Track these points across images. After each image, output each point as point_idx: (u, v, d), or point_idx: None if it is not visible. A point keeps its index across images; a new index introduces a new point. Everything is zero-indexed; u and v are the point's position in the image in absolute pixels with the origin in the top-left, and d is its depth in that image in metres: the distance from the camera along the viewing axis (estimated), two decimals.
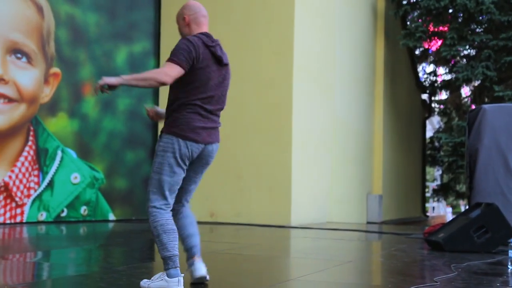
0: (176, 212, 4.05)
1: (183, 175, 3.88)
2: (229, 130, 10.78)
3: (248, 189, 10.42)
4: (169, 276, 3.76)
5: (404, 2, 15.33)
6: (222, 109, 4.08)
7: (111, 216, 10.60)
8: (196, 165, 4.01)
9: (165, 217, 3.81)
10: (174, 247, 3.78)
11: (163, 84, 3.75)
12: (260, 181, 10.33)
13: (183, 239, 4.11)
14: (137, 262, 5.73)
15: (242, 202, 10.52)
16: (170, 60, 3.78)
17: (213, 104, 3.95)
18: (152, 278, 3.91)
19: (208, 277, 4.14)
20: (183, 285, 3.79)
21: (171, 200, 3.86)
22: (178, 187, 3.89)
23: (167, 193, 3.82)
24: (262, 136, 10.56)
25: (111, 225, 10.21)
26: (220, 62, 3.98)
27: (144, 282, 3.91)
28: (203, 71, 3.86)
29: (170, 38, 11.35)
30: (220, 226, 10.04)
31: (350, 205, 13.65)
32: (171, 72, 3.73)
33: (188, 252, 4.12)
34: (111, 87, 3.82)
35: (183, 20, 4.09)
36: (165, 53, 11.37)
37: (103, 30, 10.56)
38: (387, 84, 15.76)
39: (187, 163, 3.88)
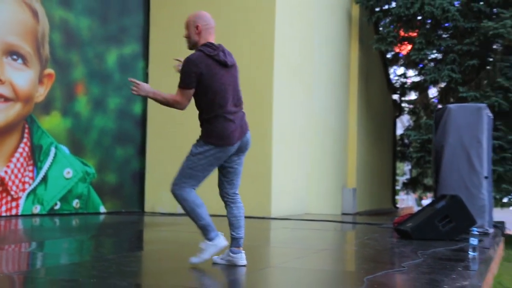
0: (231, 202, 4.47)
1: (212, 171, 4.34)
2: None
3: (214, 179, 10.34)
4: (211, 239, 4.26)
5: (377, 9, 15.35)
6: (241, 102, 4.36)
7: (102, 209, 10.53)
8: (238, 156, 4.37)
9: (193, 194, 4.31)
10: (207, 216, 4.30)
11: (180, 109, 4.22)
12: (242, 174, 10.25)
13: (234, 228, 4.41)
14: (126, 251, 5.71)
15: (209, 191, 10.47)
16: (179, 87, 4.11)
17: (233, 104, 4.23)
18: (199, 255, 4.26)
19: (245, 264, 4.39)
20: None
21: (196, 187, 4.35)
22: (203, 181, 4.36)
23: (195, 184, 4.33)
24: None
25: (102, 217, 10.15)
26: (225, 65, 4.18)
27: (193, 259, 4.27)
28: (213, 78, 4.09)
29: (158, 41, 11.39)
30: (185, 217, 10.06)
31: (326, 198, 13.71)
32: (181, 100, 4.11)
33: (235, 241, 4.38)
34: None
35: (196, 28, 4.23)
36: (153, 55, 11.38)
37: (95, 34, 10.49)
38: (361, 85, 15.87)
39: (223, 161, 4.30)
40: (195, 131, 8.91)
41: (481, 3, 13.70)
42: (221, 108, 4.14)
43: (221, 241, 4.30)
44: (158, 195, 11.01)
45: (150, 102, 11.26)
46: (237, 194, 4.49)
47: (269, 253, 6.10)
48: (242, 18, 10.74)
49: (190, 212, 4.29)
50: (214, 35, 4.32)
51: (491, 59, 13.95)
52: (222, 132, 4.13)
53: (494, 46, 13.84)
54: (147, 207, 11.17)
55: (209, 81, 4.08)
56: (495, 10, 13.32)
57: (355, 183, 15.37)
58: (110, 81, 10.78)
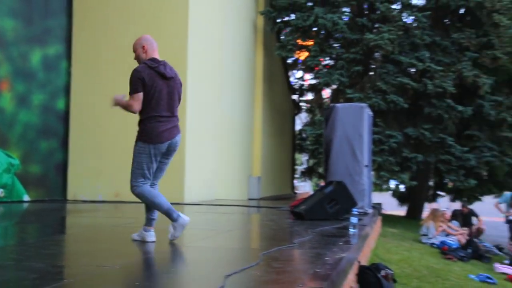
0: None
1: (155, 166, 4.53)
2: (133, 120, 10.68)
3: None
4: (174, 219, 4.51)
5: (279, 20, 15.60)
6: (175, 111, 4.63)
7: (26, 198, 10.13)
8: (165, 155, 4.59)
9: (148, 188, 4.49)
10: (166, 202, 4.51)
11: (134, 112, 4.43)
12: None
13: (148, 209, 4.65)
14: (47, 236, 5.54)
15: None
16: (130, 94, 4.39)
17: (167, 110, 4.50)
18: (174, 231, 4.57)
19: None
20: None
21: (148, 181, 4.53)
22: (152, 174, 4.56)
23: (144, 180, 4.50)
24: None
25: (26, 205, 9.76)
26: (164, 77, 4.47)
27: (170, 236, 4.57)
28: (152, 87, 4.38)
29: (80, 43, 11.07)
30: (124, 204, 9.88)
31: (234, 185, 13.82)
32: (133, 103, 4.38)
33: (149, 222, 4.65)
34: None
35: (143, 48, 4.56)
36: (76, 56, 11.05)
37: (19, 34, 10.05)
38: (265, 87, 16.02)
39: (159, 158, 4.51)
40: (114, 126, 8.84)
41: (364, 18, 14.24)
42: (155, 112, 4.40)
43: (184, 219, 4.56)
44: (80, 184, 10.77)
45: (73, 98, 10.99)
46: (156, 185, 4.70)
47: (181, 234, 6.13)
48: (157, 29, 10.62)
49: (151, 204, 4.51)
50: (158, 52, 4.63)
51: (372, 66, 14.52)
52: (152, 131, 4.40)
53: (375, 55, 14.37)
54: (70, 195, 10.86)
55: (148, 88, 4.36)
56: (376, 24, 13.85)
57: (260, 172, 15.55)
58: (35, 79, 10.36)
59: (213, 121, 12.19)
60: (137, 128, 4.54)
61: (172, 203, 4.60)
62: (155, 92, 4.39)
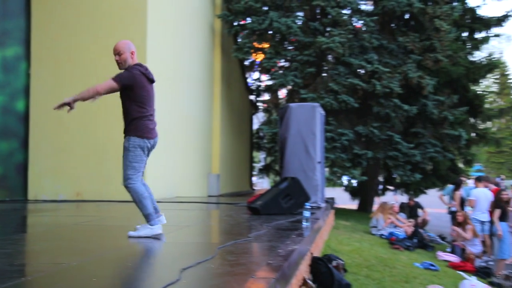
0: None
1: (146, 160, 4.77)
2: (94, 121, 10.48)
3: (109, 170, 10.09)
4: (152, 225, 4.67)
5: (235, 24, 15.56)
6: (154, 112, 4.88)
7: None
8: (149, 152, 4.81)
9: (142, 187, 4.65)
10: (151, 206, 4.66)
11: (100, 93, 4.51)
12: (119, 163, 10.02)
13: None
14: (6, 235, 5.36)
15: (104, 182, 10.21)
16: (111, 78, 4.53)
17: (153, 112, 4.79)
18: (137, 230, 4.71)
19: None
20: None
21: (140, 175, 4.71)
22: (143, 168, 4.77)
23: (138, 173, 4.66)
24: (122, 127, 10.30)
25: None
26: (152, 81, 4.76)
27: (131, 233, 4.71)
28: (143, 90, 4.61)
29: (39, 44, 10.81)
30: (85, 203, 9.71)
31: (194, 183, 13.74)
32: (105, 86, 4.51)
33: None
34: (69, 104, 4.51)
35: (131, 53, 4.69)
36: (35, 57, 10.78)
37: None
38: (223, 88, 16.01)
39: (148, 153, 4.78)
40: (74, 127, 8.58)
41: (317, 22, 14.36)
42: (147, 111, 4.67)
43: (158, 229, 4.72)
44: (40, 184, 10.51)
45: (33, 100, 10.72)
46: (142, 178, 4.84)
47: None
48: (116, 31, 10.46)
49: (138, 202, 4.63)
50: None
51: (325, 68, 14.63)
52: (146, 127, 4.65)
53: (327, 57, 14.51)
54: (31, 195, 10.57)
55: (141, 91, 4.59)
56: (327, 28, 13.99)
57: (219, 170, 15.53)
58: None
59: (173, 121, 12.08)
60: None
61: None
62: (147, 94, 4.66)
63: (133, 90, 4.56)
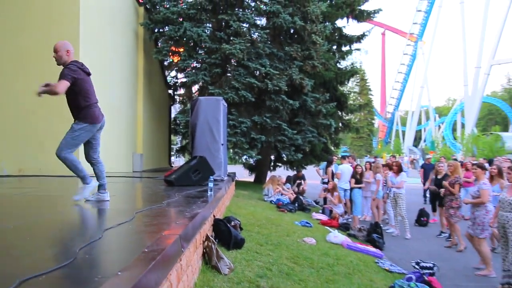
0: (97, 162, 4.86)
1: (98, 137, 4.80)
2: (30, 107, 9.82)
3: (48, 149, 9.54)
4: (87, 182, 4.68)
5: (156, 31, 15.17)
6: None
7: None
8: (98, 132, 4.81)
9: (73, 155, 4.55)
10: (84, 169, 4.63)
11: (59, 94, 4.31)
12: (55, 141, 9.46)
13: (100, 179, 4.86)
14: None
15: (45, 159, 9.62)
16: (63, 79, 4.32)
17: (96, 100, 4.73)
18: (78, 194, 4.71)
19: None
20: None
21: (75, 150, 4.60)
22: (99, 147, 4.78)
23: (74, 149, 4.59)
24: (63, 117, 9.73)
25: None
26: (89, 74, 4.65)
27: (75, 197, 4.70)
28: (84, 82, 4.51)
29: None
30: (27, 178, 9.10)
31: (121, 160, 13.35)
32: (60, 86, 4.31)
33: (102, 187, 4.89)
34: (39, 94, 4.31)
35: (67, 52, 4.55)
36: None
37: None
38: (145, 83, 15.59)
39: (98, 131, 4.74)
40: (17, 113, 7.96)
41: (222, 32, 14.35)
42: (92, 100, 4.59)
43: (94, 184, 4.77)
44: None
45: None
46: (99, 157, 4.88)
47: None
48: (51, 34, 9.83)
49: (73, 167, 4.54)
50: None
51: (229, 69, 14.70)
52: (93, 114, 4.59)
53: (231, 61, 14.59)
54: None
55: (83, 83, 4.50)
56: (231, 37, 14.03)
57: (142, 150, 15.18)
58: None
59: (103, 110, 11.57)
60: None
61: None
62: (89, 85, 4.55)
63: (76, 83, 4.42)
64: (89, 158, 4.87)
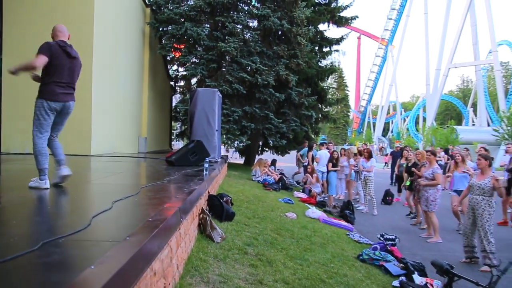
0: (50, 141, 4.06)
1: (50, 120, 3.93)
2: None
3: (65, 129, 9.45)
4: (41, 180, 3.87)
5: (160, 29, 14.98)
6: (73, 83, 4.08)
7: None
8: (60, 115, 4.03)
9: (41, 144, 3.90)
10: (45, 164, 3.89)
11: (36, 67, 3.75)
12: (76, 128, 9.08)
13: (55, 155, 4.10)
14: None
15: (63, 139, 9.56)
16: (38, 53, 3.75)
17: (65, 81, 3.95)
18: (32, 182, 3.91)
19: (70, 173, 4.12)
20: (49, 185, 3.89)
21: (46, 134, 3.93)
22: (49, 127, 3.95)
23: (42, 130, 3.90)
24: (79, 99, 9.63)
25: None
26: (69, 55, 3.97)
27: (30, 183, 3.90)
28: (57, 59, 3.85)
29: (9, 38, 9.66)
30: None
31: (128, 143, 13.27)
32: (37, 60, 3.72)
33: (58, 163, 4.10)
34: (13, 73, 3.75)
35: (56, 35, 4.06)
36: (6, 50, 9.66)
37: None
38: (150, 76, 15.43)
39: (54, 114, 3.94)
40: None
41: (218, 32, 14.23)
42: (56, 78, 3.87)
43: (45, 184, 3.88)
44: (11, 140, 9.61)
45: (5, 83, 9.67)
46: (56, 137, 4.17)
47: (88, 174, 5.79)
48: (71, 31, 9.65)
49: (35, 155, 3.91)
50: (64, 35, 4.11)
51: (224, 64, 14.62)
52: (51, 91, 3.86)
53: (226, 57, 14.50)
54: (3, 149, 9.70)
55: (54, 60, 3.83)
56: (226, 37, 13.92)
57: (147, 134, 15.07)
58: None
59: (112, 98, 11.54)
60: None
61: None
62: (59, 64, 3.87)
63: (52, 60, 3.82)
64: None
